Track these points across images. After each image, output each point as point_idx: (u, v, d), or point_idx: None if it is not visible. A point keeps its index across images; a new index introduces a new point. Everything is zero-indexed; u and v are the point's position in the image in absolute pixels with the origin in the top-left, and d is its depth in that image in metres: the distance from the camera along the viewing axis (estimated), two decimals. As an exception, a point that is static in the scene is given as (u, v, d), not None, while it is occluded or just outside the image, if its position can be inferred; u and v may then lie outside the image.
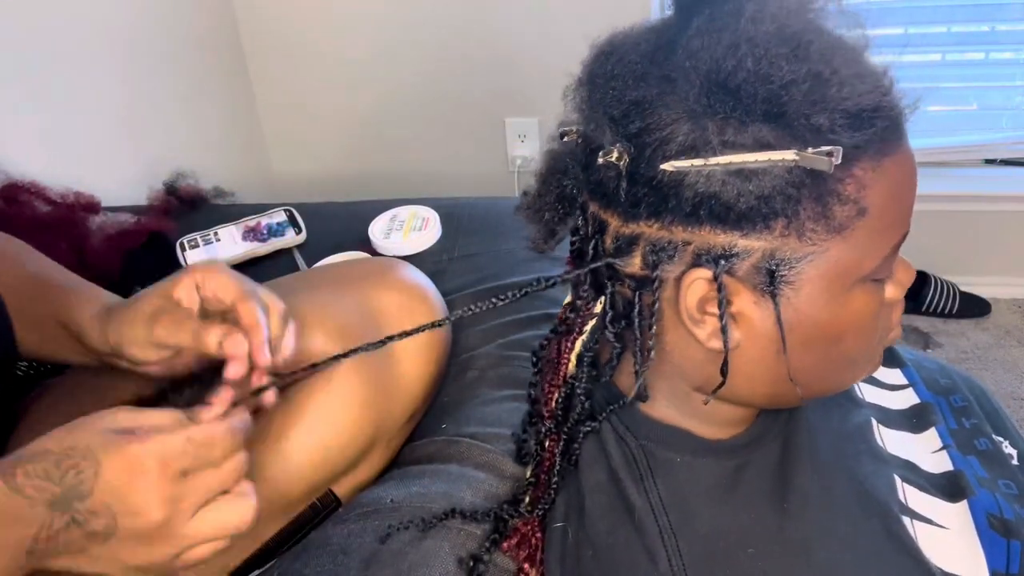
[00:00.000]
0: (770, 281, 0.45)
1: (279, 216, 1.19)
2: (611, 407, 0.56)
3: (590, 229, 0.50)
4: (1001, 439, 0.64)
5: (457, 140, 1.82)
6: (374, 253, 1.09)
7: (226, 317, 0.56)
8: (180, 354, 0.57)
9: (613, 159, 0.45)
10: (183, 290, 0.56)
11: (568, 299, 0.58)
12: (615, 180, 0.46)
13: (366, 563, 0.61)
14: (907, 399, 0.66)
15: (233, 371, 0.52)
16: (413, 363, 0.74)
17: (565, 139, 0.51)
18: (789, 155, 0.41)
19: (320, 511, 0.71)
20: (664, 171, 0.44)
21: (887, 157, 0.44)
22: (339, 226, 1.17)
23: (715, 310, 0.46)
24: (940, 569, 0.51)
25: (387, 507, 0.66)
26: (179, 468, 0.44)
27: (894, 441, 0.60)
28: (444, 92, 1.76)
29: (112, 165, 1.32)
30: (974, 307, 1.79)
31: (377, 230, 1.12)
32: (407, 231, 1.12)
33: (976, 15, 1.63)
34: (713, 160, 0.42)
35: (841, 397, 0.62)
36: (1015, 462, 0.62)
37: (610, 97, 0.46)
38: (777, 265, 0.44)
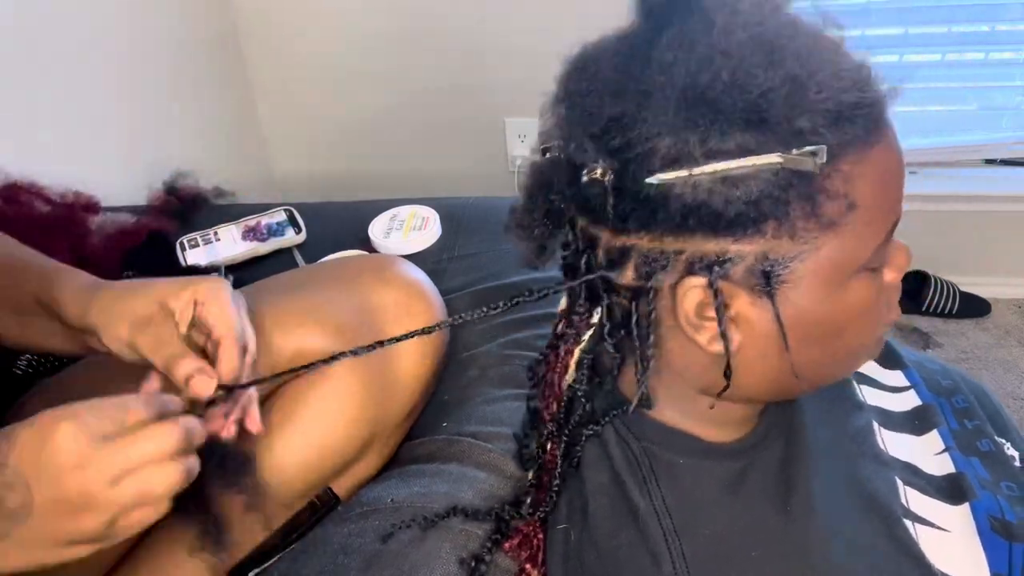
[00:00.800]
0: (766, 282, 0.45)
1: (279, 216, 1.19)
2: (613, 412, 0.56)
3: (580, 244, 0.50)
4: (1003, 440, 0.64)
5: (457, 140, 1.82)
6: (374, 252, 1.09)
7: (207, 338, 0.56)
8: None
9: (597, 175, 0.45)
10: (181, 304, 0.56)
11: (562, 306, 0.58)
12: (601, 196, 0.46)
13: (366, 563, 0.61)
14: (909, 401, 0.66)
15: (194, 392, 0.53)
16: (410, 360, 0.74)
17: (548, 155, 0.51)
18: (774, 158, 0.41)
19: (319, 509, 0.71)
20: (650, 184, 0.43)
21: (872, 148, 0.44)
22: (339, 226, 1.17)
23: (714, 315, 0.46)
24: (942, 572, 0.51)
25: (388, 507, 0.66)
26: (93, 432, 0.44)
27: (895, 444, 0.60)
28: (444, 92, 1.75)
29: (112, 165, 1.32)
30: (974, 307, 1.79)
31: (377, 230, 1.12)
32: (407, 230, 1.12)
33: (976, 15, 1.62)
34: (698, 170, 0.42)
35: (843, 399, 0.62)
36: (1017, 464, 0.62)
37: (588, 114, 0.46)
38: (772, 266, 0.44)
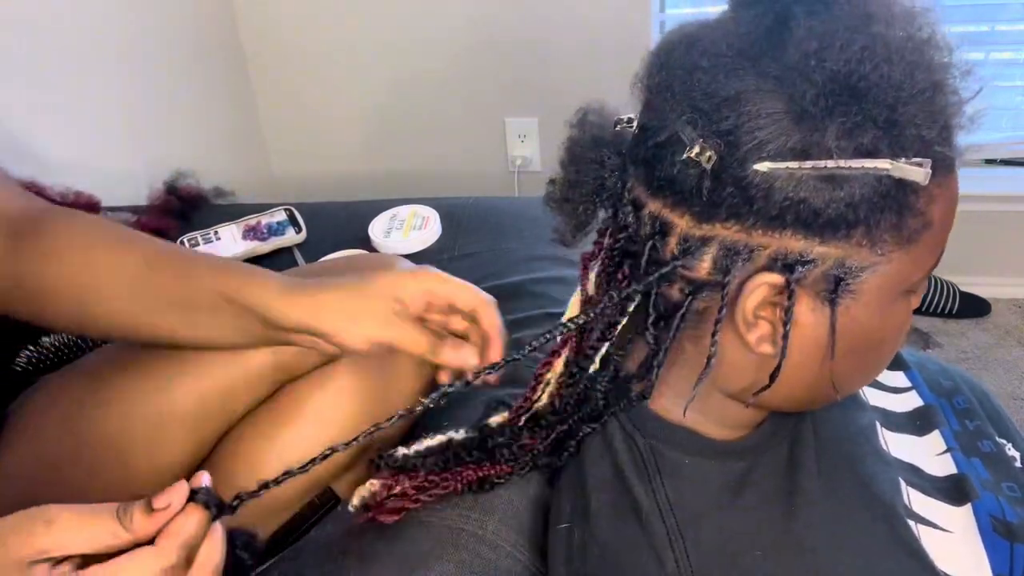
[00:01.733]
0: (834, 289, 0.44)
1: (279, 215, 1.19)
2: (617, 406, 0.55)
3: (648, 228, 0.48)
4: (1004, 441, 0.64)
5: (457, 140, 1.82)
6: (374, 252, 1.09)
7: (452, 316, 0.59)
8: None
9: (695, 155, 0.43)
10: (412, 296, 0.57)
11: (575, 298, 0.57)
12: (696, 178, 0.44)
13: (366, 563, 0.61)
14: (910, 402, 0.66)
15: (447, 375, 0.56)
16: (410, 360, 0.74)
17: (618, 128, 0.50)
18: (884, 164, 0.41)
19: (319, 509, 0.71)
20: (756, 172, 0.42)
21: (951, 174, 0.45)
22: (339, 225, 1.17)
23: (768, 314, 0.46)
24: (944, 573, 0.51)
25: (388, 507, 0.66)
26: (64, 551, 0.38)
27: (897, 444, 0.60)
28: (444, 92, 1.75)
29: (112, 165, 1.32)
30: (974, 307, 1.79)
31: (377, 229, 1.12)
32: (407, 230, 1.12)
33: (976, 15, 1.62)
34: (809, 164, 0.41)
35: (846, 400, 0.62)
36: (1018, 464, 0.62)
37: (696, 90, 0.44)
38: (845, 274, 0.44)
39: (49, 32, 1.19)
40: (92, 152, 1.29)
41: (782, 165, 0.41)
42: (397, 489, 0.61)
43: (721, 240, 0.45)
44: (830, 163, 0.41)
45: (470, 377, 0.52)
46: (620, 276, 0.51)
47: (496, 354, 0.56)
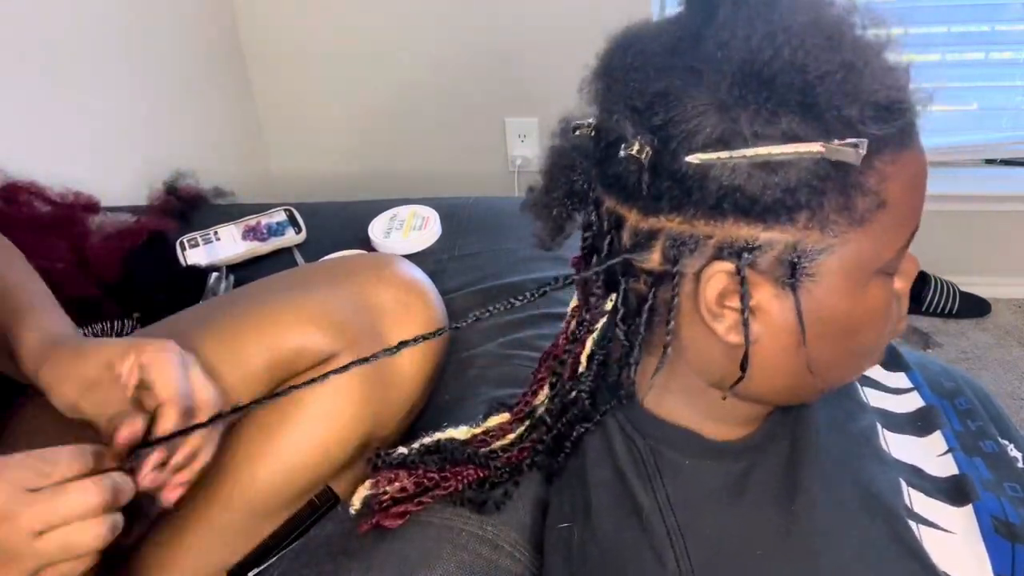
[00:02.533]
0: (791, 273, 0.45)
1: (279, 216, 1.19)
2: (609, 405, 0.56)
3: (605, 225, 0.49)
4: (1006, 442, 0.64)
5: (457, 140, 1.82)
6: (374, 252, 1.09)
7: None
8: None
9: (634, 151, 0.45)
10: (126, 368, 0.56)
11: (574, 303, 0.57)
12: (636, 173, 0.45)
13: (366, 563, 0.61)
14: (912, 402, 0.66)
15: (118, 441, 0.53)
16: (410, 359, 0.74)
17: (577, 132, 0.51)
18: (816, 147, 0.41)
19: (319, 508, 0.71)
20: (689, 164, 0.43)
21: (905, 150, 0.45)
22: (339, 226, 1.17)
23: (734, 304, 0.46)
24: (946, 574, 0.51)
25: (388, 507, 0.66)
26: (18, 485, 0.44)
27: (899, 445, 0.60)
28: (444, 92, 1.75)
29: (112, 165, 1.32)
30: (974, 307, 1.79)
31: (377, 229, 1.12)
32: (407, 230, 1.12)
33: (976, 15, 1.62)
34: (739, 152, 0.42)
35: (846, 401, 0.62)
36: (1020, 465, 0.62)
37: (631, 89, 0.46)
38: (799, 257, 0.44)
39: (49, 32, 1.18)
40: (92, 152, 1.29)
41: (712, 156, 0.43)
42: (397, 485, 0.61)
43: (667, 232, 0.46)
44: (760, 150, 0.42)
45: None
46: (595, 277, 0.52)
47: (166, 425, 0.54)
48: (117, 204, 1.19)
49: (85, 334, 0.79)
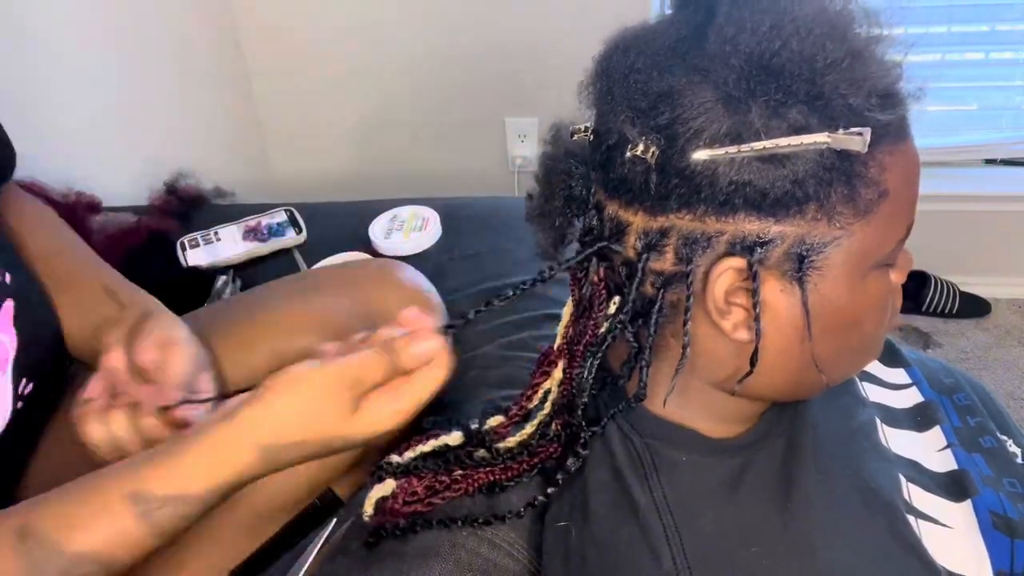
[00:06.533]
0: (799, 267, 0.45)
1: (279, 216, 1.19)
2: (617, 408, 0.56)
3: (608, 229, 0.49)
4: (1005, 438, 0.64)
5: (457, 140, 1.82)
6: (374, 253, 1.09)
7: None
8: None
9: (640, 152, 0.45)
10: (151, 339, 0.60)
11: (569, 307, 0.57)
12: (643, 174, 0.46)
13: (366, 563, 0.61)
14: (911, 398, 0.66)
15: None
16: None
17: (574, 137, 0.51)
18: (821, 137, 0.42)
19: (321, 510, 0.71)
20: (697, 161, 0.43)
21: (903, 142, 0.45)
22: (339, 226, 1.17)
23: (741, 300, 0.46)
24: (945, 568, 0.51)
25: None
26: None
27: (898, 440, 0.60)
28: (444, 92, 1.75)
29: (113, 165, 1.32)
30: (974, 307, 1.79)
31: (377, 230, 1.12)
32: (407, 231, 1.12)
33: (976, 15, 1.62)
34: (746, 147, 0.42)
35: (845, 396, 0.62)
36: (1019, 461, 0.62)
37: (633, 90, 0.46)
38: (807, 251, 0.45)
39: (49, 33, 1.18)
40: (92, 152, 1.29)
41: (720, 151, 0.43)
42: (408, 489, 0.61)
43: (678, 230, 0.46)
44: (768, 143, 0.42)
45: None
46: (596, 279, 0.53)
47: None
48: (118, 204, 1.20)
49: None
